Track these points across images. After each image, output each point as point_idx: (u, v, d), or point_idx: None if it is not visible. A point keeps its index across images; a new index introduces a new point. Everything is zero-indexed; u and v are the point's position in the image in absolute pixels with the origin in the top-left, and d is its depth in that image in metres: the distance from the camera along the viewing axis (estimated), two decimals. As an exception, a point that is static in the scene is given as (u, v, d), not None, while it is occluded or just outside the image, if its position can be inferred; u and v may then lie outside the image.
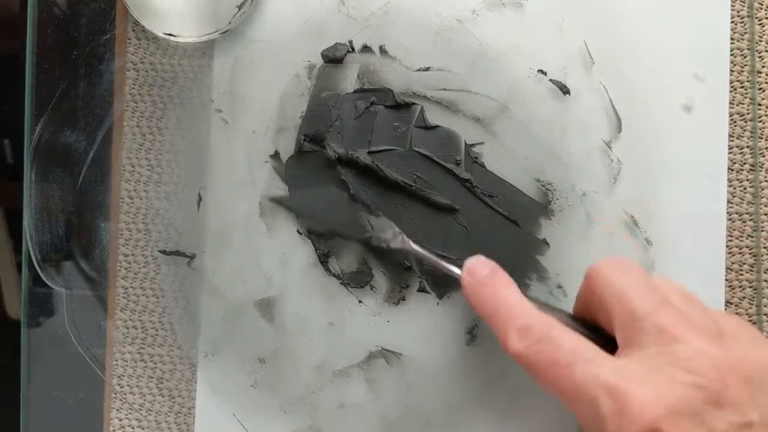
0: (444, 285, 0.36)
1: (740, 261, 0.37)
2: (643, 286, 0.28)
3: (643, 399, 0.24)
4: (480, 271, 0.32)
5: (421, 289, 0.37)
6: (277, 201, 0.37)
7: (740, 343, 0.26)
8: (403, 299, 0.37)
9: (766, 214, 0.37)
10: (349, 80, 0.37)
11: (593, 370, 0.26)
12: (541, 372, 0.28)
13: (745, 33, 0.37)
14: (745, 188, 0.37)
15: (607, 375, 0.26)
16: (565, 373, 0.26)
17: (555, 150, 0.36)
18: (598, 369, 0.26)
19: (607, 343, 0.28)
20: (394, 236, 0.36)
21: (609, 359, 0.27)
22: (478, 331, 0.36)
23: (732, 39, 0.36)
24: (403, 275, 0.37)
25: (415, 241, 0.35)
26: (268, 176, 0.37)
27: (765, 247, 0.37)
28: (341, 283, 0.37)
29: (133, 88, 0.38)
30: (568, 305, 0.34)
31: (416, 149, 0.37)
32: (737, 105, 0.37)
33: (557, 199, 0.36)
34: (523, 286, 0.36)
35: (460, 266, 0.33)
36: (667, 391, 0.25)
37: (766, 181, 0.37)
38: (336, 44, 0.37)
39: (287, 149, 0.37)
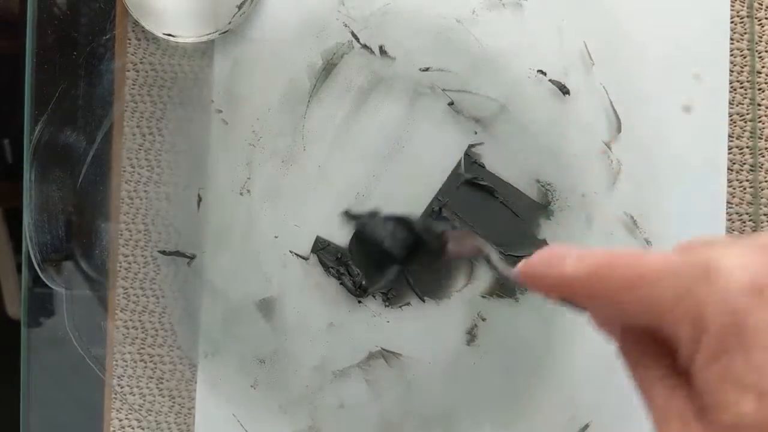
0: (442, 294, 0.37)
1: (740, 261, 0.36)
2: None
3: (735, 261, 0.18)
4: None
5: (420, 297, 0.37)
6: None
7: None
8: (408, 304, 0.37)
9: (765, 215, 0.37)
10: (349, 80, 0.37)
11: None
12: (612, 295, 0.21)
13: (745, 33, 0.37)
14: (744, 188, 0.36)
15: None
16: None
17: (555, 150, 0.36)
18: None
19: None
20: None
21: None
22: (477, 331, 0.36)
23: (732, 39, 0.36)
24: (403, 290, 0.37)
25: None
26: (268, 176, 0.37)
27: (765, 248, 0.37)
28: (341, 284, 0.37)
29: (133, 88, 0.38)
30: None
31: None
32: (737, 105, 0.37)
33: (557, 199, 0.36)
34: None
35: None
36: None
37: (766, 181, 0.37)
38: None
39: (287, 149, 0.37)
